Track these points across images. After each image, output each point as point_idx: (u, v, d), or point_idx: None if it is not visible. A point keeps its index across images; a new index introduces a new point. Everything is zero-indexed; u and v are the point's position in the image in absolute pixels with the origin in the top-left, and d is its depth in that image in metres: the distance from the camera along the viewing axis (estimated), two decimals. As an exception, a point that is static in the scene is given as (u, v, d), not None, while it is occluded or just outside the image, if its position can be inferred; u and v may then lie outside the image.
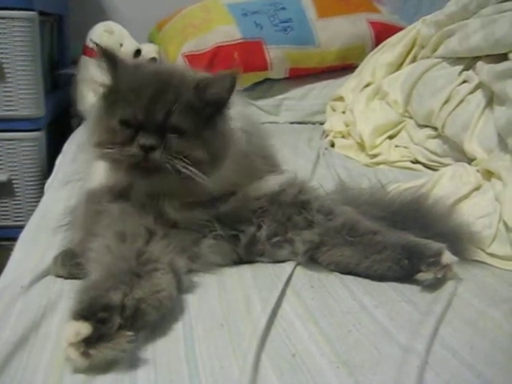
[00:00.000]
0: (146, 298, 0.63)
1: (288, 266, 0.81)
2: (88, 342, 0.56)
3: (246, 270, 0.81)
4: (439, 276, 0.74)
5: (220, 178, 0.79)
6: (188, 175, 0.74)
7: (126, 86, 0.77)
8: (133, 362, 0.58)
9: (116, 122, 0.76)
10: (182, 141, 0.75)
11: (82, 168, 0.97)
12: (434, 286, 0.75)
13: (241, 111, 0.89)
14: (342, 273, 0.80)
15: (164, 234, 0.76)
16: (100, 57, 0.78)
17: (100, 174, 0.86)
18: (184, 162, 0.74)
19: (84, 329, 0.57)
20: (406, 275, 0.76)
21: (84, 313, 0.58)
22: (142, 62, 0.83)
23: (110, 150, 0.76)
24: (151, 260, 0.69)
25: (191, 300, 0.72)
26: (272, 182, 0.87)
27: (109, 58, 0.78)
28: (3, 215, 1.65)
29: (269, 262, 0.83)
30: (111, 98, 0.78)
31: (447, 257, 0.75)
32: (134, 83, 0.76)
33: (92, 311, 0.58)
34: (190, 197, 0.80)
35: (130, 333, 0.59)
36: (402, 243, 0.77)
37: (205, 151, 0.76)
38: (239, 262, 0.83)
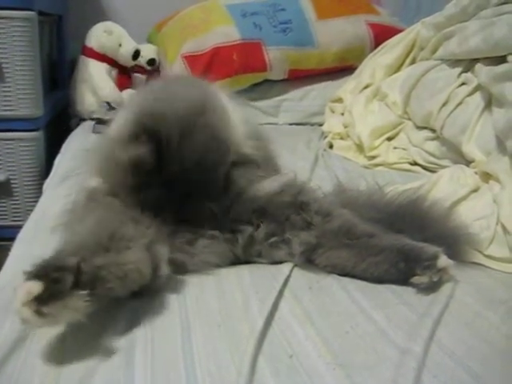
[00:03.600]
0: (108, 267, 0.61)
1: (286, 267, 0.81)
2: (40, 301, 0.55)
3: (243, 271, 0.81)
4: (435, 279, 0.74)
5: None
6: None
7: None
8: (130, 362, 0.58)
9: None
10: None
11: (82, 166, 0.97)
12: (431, 288, 0.75)
13: (242, 113, 0.89)
14: (339, 275, 0.80)
15: (150, 223, 0.74)
16: (140, 134, 0.76)
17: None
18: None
19: (35, 287, 0.56)
20: (402, 278, 0.76)
21: (36, 273, 0.57)
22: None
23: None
24: (124, 238, 0.67)
25: (189, 300, 0.72)
26: (272, 183, 0.87)
27: (151, 137, 0.76)
28: (1, 215, 1.65)
29: (266, 263, 0.83)
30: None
31: (443, 260, 0.75)
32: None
33: (44, 271, 0.57)
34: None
35: (84, 292, 0.57)
36: (398, 246, 0.77)
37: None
38: (237, 262, 0.83)
